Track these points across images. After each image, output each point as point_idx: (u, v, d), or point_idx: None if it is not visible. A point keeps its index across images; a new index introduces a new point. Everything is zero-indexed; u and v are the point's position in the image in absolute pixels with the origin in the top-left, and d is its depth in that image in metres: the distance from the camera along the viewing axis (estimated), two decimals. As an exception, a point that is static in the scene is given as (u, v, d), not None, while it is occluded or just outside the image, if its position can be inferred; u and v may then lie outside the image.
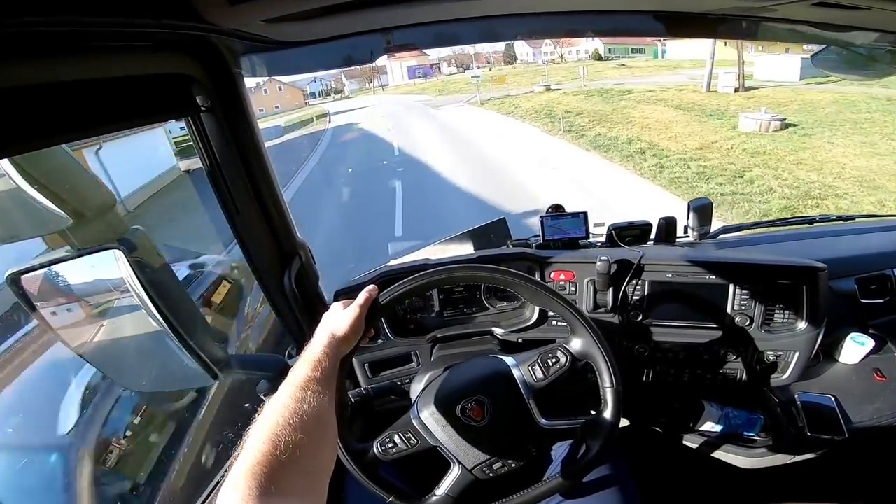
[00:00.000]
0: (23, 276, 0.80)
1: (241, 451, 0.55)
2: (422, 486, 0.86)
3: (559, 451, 1.08)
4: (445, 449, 0.83)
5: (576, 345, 0.86)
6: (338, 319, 0.78)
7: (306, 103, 70.21)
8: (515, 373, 0.86)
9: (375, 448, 0.83)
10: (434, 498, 0.84)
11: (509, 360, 0.89)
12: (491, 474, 0.83)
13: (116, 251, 0.81)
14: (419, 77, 62.59)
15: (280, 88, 65.32)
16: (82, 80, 0.56)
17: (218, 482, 1.05)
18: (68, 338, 0.93)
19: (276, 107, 61.34)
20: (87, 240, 0.82)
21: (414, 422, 0.84)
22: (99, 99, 0.59)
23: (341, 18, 0.74)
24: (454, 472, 0.83)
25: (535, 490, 0.85)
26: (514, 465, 0.83)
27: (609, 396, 0.84)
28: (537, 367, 0.86)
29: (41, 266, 0.82)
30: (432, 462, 0.85)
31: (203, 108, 0.76)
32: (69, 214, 0.75)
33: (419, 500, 0.85)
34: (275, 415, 0.59)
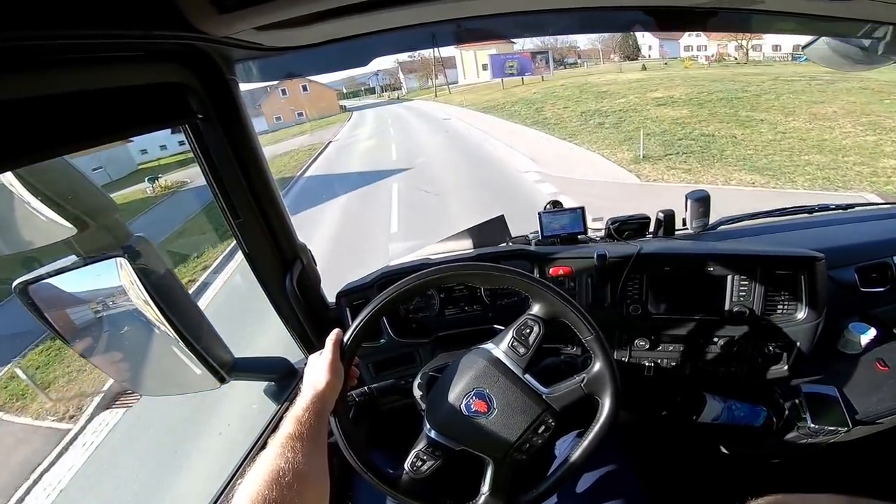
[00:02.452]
0: (30, 286, 0.82)
1: (233, 494, 0.59)
2: (468, 489, 0.86)
3: (563, 445, 1.09)
4: (471, 450, 0.84)
5: (539, 310, 0.87)
6: (315, 373, 0.79)
7: (343, 108, 55.76)
8: (499, 355, 0.87)
9: (407, 469, 0.84)
10: (483, 498, 0.85)
11: (488, 345, 0.90)
12: (524, 456, 0.84)
13: (121, 259, 0.83)
14: (512, 73, 34.95)
15: (304, 88, 49.94)
16: (78, 92, 0.57)
17: (247, 455, 1.07)
18: (77, 346, 0.95)
19: (299, 113, 47.92)
20: (90, 248, 0.84)
21: (431, 435, 0.86)
22: (95, 110, 0.60)
23: (334, 23, 0.75)
24: (490, 468, 0.84)
25: (563, 468, 0.86)
26: (538, 441, 0.84)
27: (595, 346, 0.85)
28: (516, 342, 0.87)
29: (48, 275, 0.84)
30: (468, 465, 0.85)
31: (199, 117, 0.78)
32: (72, 224, 0.77)
33: (470, 501, 0.86)
34: (261, 473, 0.62)
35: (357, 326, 0.84)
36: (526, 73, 35.12)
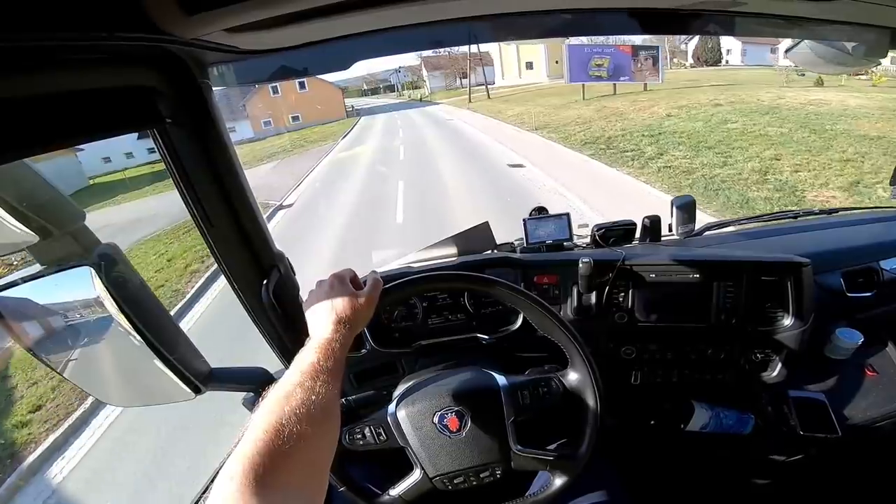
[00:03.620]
0: (-5, 295, 0.79)
1: (240, 438, 0.53)
2: (379, 484, 0.85)
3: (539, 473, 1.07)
4: (412, 452, 0.82)
5: (572, 379, 0.86)
6: (345, 304, 0.73)
7: (352, 111, 44.54)
8: (503, 393, 0.85)
9: (343, 437, 0.82)
10: (386, 498, 0.84)
11: (501, 378, 0.88)
12: (450, 487, 0.82)
13: (90, 267, 0.80)
14: (600, 76, 21.67)
15: (302, 86, 37.01)
16: (42, 95, 0.55)
17: (218, 471, 1.04)
18: (46, 357, 0.92)
19: (294, 117, 37.77)
20: (56, 257, 0.81)
21: (389, 418, 0.84)
22: (59, 113, 0.58)
23: (313, 25, 0.73)
24: (414, 476, 0.83)
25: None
26: (474, 483, 0.83)
27: (587, 436, 0.84)
28: (527, 391, 0.85)
29: (13, 284, 0.81)
30: (397, 462, 0.84)
31: (168, 121, 0.75)
32: (35, 232, 0.74)
33: (372, 496, 0.84)
34: (280, 402, 0.57)
35: (402, 284, 0.82)
36: (622, 78, 21.55)
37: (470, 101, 32.89)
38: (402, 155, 16.15)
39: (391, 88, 79.76)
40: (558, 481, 0.84)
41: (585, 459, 0.83)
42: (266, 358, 1.22)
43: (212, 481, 1.01)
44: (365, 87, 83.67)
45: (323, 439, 0.59)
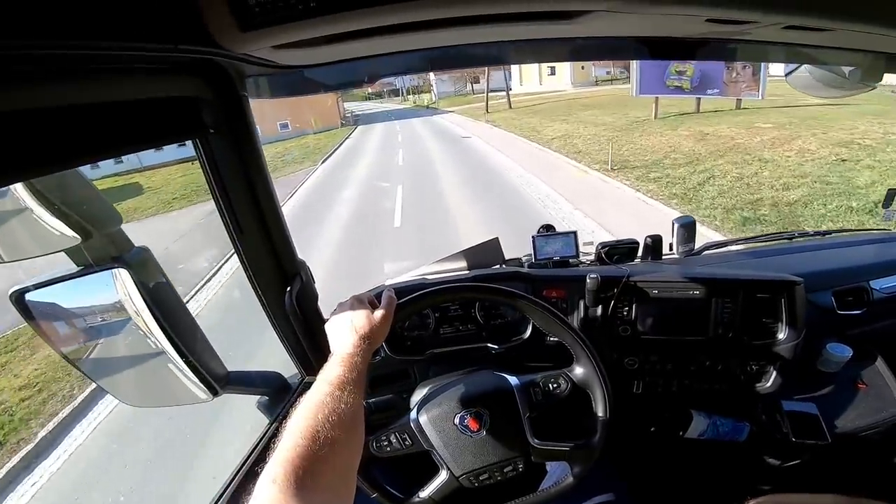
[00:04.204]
0: (26, 294, 0.81)
1: (278, 443, 0.57)
2: (408, 488, 0.89)
3: (551, 467, 1.10)
4: (437, 454, 0.86)
5: (579, 373, 0.91)
6: (364, 320, 0.78)
7: (349, 118, 40.52)
8: (517, 392, 0.90)
9: (371, 445, 0.86)
10: (417, 500, 0.87)
11: (513, 379, 0.93)
12: (476, 484, 0.86)
13: (120, 269, 0.83)
14: (681, 88, 14.87)
15: None
16: (94, 104, 0.57)
17: (241, 467, 1.05)
18: (70, 355, 0.94)
19: (283, 125, 32.94)
20: (91, 258, 0.84)
21: (412, 424, 0.88)
22: (110, 122, 0.61)
23: (344, 45, 0.78)
24: (441, 477, 0.86)
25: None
26: (499, 478, 0.86)
27: (599, 426, 0.89)
28: (539, 389, 0.90)
29: (45, 284, 0.83)
30: (423, 466, 0.88)
31: (211, 130, 0.79)
32: (76, 232, 0.77)
33: (402, 500, 0.88)
34: (314, 411, 0.61)
35: (414, 298, 0.88)
36: (709, 91, 15.53)
37: (487, 110, 27.89)
38: (399, 220, 8.53)
39: (396, 93, 76.92)
40: (576, 469, 0.89)
41: (600, 448, 0.88)
42: (261, 361, 1.24)
43: (231, 481, 1.03)
44: (370, 91, 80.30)
45: (353, 444, 0.64)
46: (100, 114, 0.59)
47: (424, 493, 0.87)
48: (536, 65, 35.86)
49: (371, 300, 0.85)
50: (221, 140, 0.82)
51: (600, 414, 0.88)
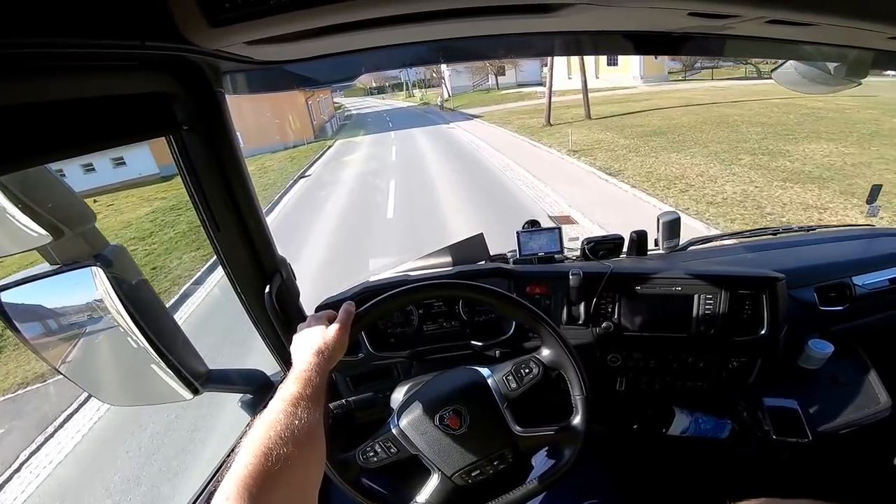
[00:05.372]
0: (1, 293, 0.80)
1: (232, 462, 0.56)
2: (404, 494, 0.88)
3: (538, 457, 1.11)
4: (425, 457, 0.85)
5: (547, 355, 0.90)
6: (319, 336, 0.79)
7: (342, 119, 35.41)
8: (491, 383, 0.90)
9: (357, 457, 0.85)
10: None
11: (485, 370, 0.92)
12: (470, 480, 0.85)
13: (95, 268, 0.82)
14: None
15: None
16: (63, 100, 0.56)
17: (203, 491, 1.05)
18: (47, 354, 0.93)
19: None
20: (65, 256, 0.83)
21: (394, 430, 0.87)
22: (80, 118, 0.60)
23: (325, 40, 0.77)
24: (434, 480, 0.86)
25: (512, 495, 0.87)
26: (491, 472, 0.86)
27: (579, 404, 0.88)
28: (511, 377, 0.89)
29: (18, 283, 0.82)
30: (414, 470, 0.87)
31: (185, 127, 0.78)
32: (48, 231, 0.76)
33: None
34: (266, 429, 0.60)
35: (373, 308, 0.86)
36: None
37: (549, 122, 16.95)
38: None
39: (399, 87, 68.52)
40: (567, 452, 0.88)
41: (584, 427, 0.87)
42: (254, 360, 1.23)
43: (203, 489, 1.03)
44: (373, 85, 77.23)
45: (309, 461, 0.63)
46: (69, 110, 0.58)
47: (421, 497, 0.86)
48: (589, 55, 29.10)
49: (330, 315, 0.85)
50: (196, 137, 0.81)
51: (576, 392, 0.88)
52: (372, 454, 0.85)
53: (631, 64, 31.50)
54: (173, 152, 0.81)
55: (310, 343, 0.78)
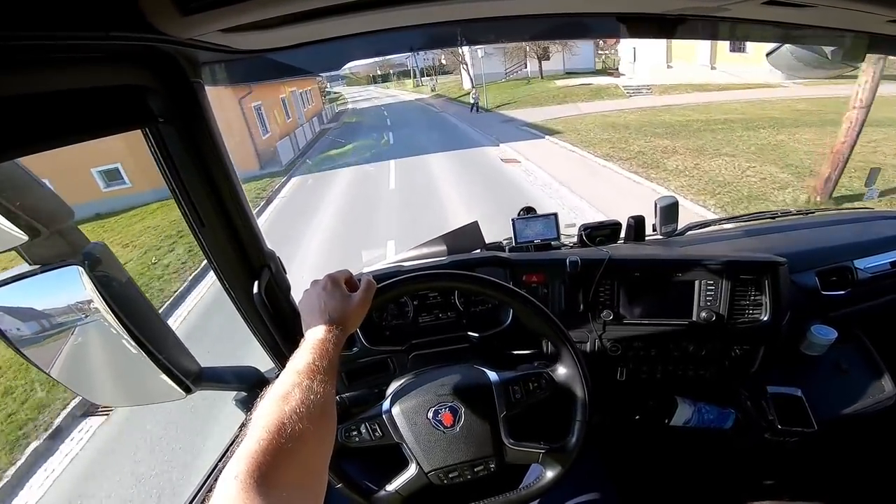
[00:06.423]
0: (-19, 295, 0.78)
1: (243, 436, 0.54)
2: (376, 480, 0.87)
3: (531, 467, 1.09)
4: (407, 448, 0.84)
5: (561, 374, 0.88)
6: (339, 305, 0.74)
7: (334, 112, 30.27)
8: (495, 389, 0.87)
9: (339, 434, 0.83)
10: (383, 493, 0.85)
11: (493, 374, 0.90)
12: (445, 481, 0.84)
13: (79, 266, 0.80)
14: None
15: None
16: (32, 94, 0.54)
17: (215, 467, 1.03)
18: (34, 356, 0.91)
19: (108, 172, 12.65)
20: (45, 256, 0.80)
21: (384, 415, 0.86)
22: (51, 112, 0.58)
23: (307, 26, 0.74)
24: (410, 472, 0.84)
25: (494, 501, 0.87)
26: (469, 477, 0.84)
27: (577, 428, 0.86)
28: (518, 387, 0.87)
29: (1, 283, 0.80)
30: (390, 457, 0.85)
31: (160, 120, 0.75)
32: (23, 231, 0.73)
33: (368, 492, 0.85)
34: (280, 402, 0.57)
35: (397, 282, 0.83)
36: None
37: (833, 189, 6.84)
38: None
39: (406, 74, 57.50)
40: (550, 473, 0.86)
41: (576, 451, 0.85)
42: (253, 357, 1.22)
43: (206, 480, 1.02)
44: (378, 73, 71.56)
45: (322, 437, 0.60)
46: (37, 104, 0.55)
47: (391, 486, 0.85)
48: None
49: (348, 279, 0.80)
50: (173, 130, 0.78)
51: (579, 417, 0.86)
52: (355, 433, 0.84)
53: (699, 52, 21.13)
54: (150, 146, 0.78)
55: (328, 310, 0.73)
